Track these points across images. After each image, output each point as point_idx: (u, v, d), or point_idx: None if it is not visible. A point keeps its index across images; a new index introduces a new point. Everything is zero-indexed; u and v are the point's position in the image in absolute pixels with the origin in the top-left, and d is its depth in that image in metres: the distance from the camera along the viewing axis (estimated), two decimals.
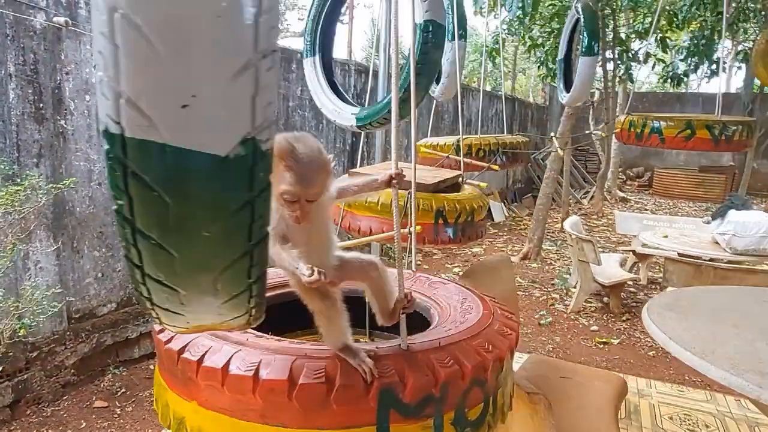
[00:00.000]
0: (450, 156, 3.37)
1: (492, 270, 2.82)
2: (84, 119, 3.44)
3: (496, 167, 3.64)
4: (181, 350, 1.03)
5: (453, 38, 3.11)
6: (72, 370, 3.49)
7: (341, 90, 2.48)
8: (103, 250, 3.59)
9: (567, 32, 4.28)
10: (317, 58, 2.45)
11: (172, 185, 0.54)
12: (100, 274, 3.62)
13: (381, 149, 4.47)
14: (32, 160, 3.15)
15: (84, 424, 3.20)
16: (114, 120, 0.51)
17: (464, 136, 3.88)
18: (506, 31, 9.03)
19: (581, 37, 3.64)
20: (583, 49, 3.57)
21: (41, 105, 3.17)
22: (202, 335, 1.06)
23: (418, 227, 2.24)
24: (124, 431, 3.13)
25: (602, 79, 10.03)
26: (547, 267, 7.18)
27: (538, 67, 9.90)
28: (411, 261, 1.69)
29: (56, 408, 3.35)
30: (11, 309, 2.76)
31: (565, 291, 6.10)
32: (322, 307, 0.98)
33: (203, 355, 1.00)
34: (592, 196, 11.82)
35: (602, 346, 4.77)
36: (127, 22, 0.47)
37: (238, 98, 0.52)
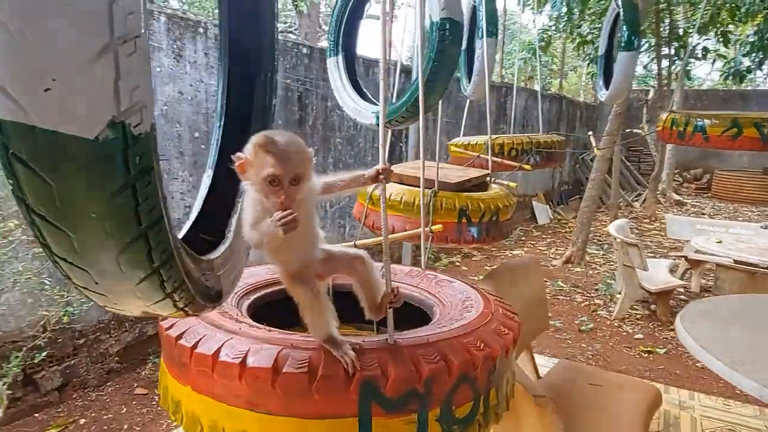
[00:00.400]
0: (480, 155, 3.33)
1: (518, 272, 2.77)
2: None
3: (528, 167, 3.56)
4: (179, 336, 1.07)
5: (482, 35, 3.07)
6: (116, 358, 3.67)
7: (363, 89, 2.50)
8: None
9: (608, 27, 4.12)
10: (340, 57, 2.48)
11: (49, 167, 0.56)
12: None
13: (414, 148, 4.46)
14: None
15: (125, 410, 3.36)
16: None
17: (496, 136, 3.82)
18: (553, 28, 8.80)
19: (621, 31, 3.50)
20: (623, 44, 3.43)
21: None
22: (200, 324, 1.10)
23: (440, 226, 2.23)
24: (161, 417, 3.27)
25: (657, 77, 9.62)
26: (591, 271, 6.96)
27: (588, 64, 9.61)
28: (423, 259, 1.69)
29: (100, 393, 3.54)
30: (56, 297, 2.94)
31: (609, 297, 5.89)
32: (305, 298, 1.00)
33: (197, 342, 1.03)
34: (645, 199, 11.35)
35: (646, 355, 4.58)
36: None
37: (99, 82, 0.54)
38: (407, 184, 2.47)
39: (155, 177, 0.62)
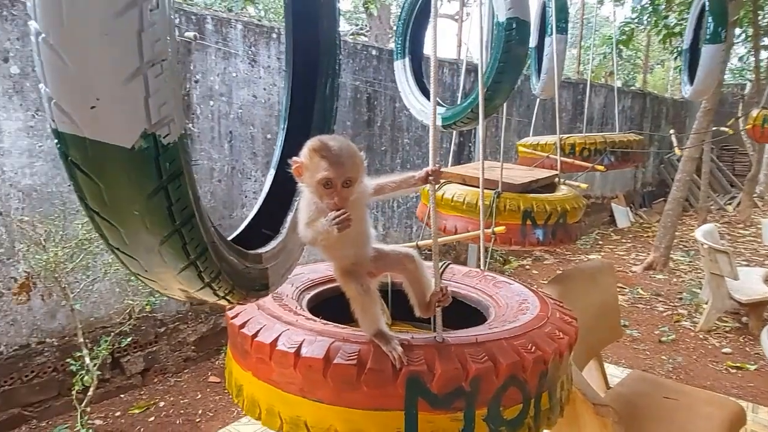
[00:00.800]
0: (550, 156, 3.23)
1: (589, 276, 2.67)
2: (208, 122, 3.85)
3: (601, 168, 3.40)
4: (242, 325, 1.14)
5: (551, 32, 2.97)
6: (192, 347, 3.92)
7: (430, 90, 2.50)
8: None
9: (693, 19, 3.86)
10: (407, 60, 2.50)
11: (98, 171, 0.66)
12: None
13: (481, 149, 4.39)
14: None
15: (200, 396, 3.58)
16: (53, 119, 0.64)
17: (567, 135, 3.69)
18: (636, 20, 8.33)
19: (707, 22, 3.26)
20: (708, 37, 3.20)
21: None
22: (262, 314, 1.17)
23: (503, 228, 2.19)
24: (233, 405, 3.45)
25: (754, 70, 8.86)
26: (675, 279, 6.54)
27: (675, 57, 9.01)
28: (482, 261, 1.67)
29: (178, 379, 3.79)
30: (140, 287, 3.19)
31: (694, 307, 5.52)
32: (355, 293, 1.04)
33: (257, 331, 1.09)
34: (739, 202, 10.48)
35: (735, 371, 4.25)
36: (45, 43, 0.60)
37: (132, 100, 0.63)
38: (470, 185, 2.46)
39: (185, 181, 0.70)
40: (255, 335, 1.09)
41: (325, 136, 1.02)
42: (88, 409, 3.07)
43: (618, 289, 6.06)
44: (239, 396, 1.16)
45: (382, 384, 0.95)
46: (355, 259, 1.07)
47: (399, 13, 2.51)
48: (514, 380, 0.99)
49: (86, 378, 2.94)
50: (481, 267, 1.64)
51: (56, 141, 0.66)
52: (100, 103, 0.61)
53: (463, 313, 1.50)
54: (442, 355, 0.98)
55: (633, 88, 11.76)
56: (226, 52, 3.92)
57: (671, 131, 4.83)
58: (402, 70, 2.51)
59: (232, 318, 1.19)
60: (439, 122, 2.34)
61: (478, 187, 2.47)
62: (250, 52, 4.09)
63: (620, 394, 2.42)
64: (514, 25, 1.87)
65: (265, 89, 4.27)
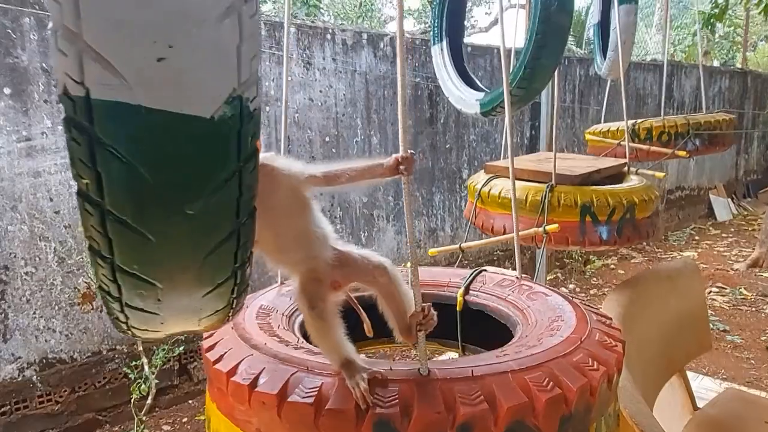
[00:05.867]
0: (621, 143, 2.84)
1: (667, 279, 2.29)
2: (265, 128, 3.83)
3: (683, 153, 2.95)
4: (208, 348, 0.99)
5: (616, 3, 2.60)
6: None
7: (471, 76, 2.26)
8: None
9: None
10: (444, 44, 2.27)
11: (150, 155, 0.45)
12: None
13: (546, 139, 4.05)
14: None
15: None
16: (75, 79, 0.42)
17: (642, 119, 3.27)
18: None
19: None
20: None
21: None
22: (233, 335, 1.01)
23: (556, 225, 1.91)
24: None
25: None
26: None
27: None
28: (518, 266, 1.43)
29: None
30: None
31: None
32: (307, 317, 0.84)
33: (221, 357, 0.94)
34: None
35: None
36: None
37: (223, 48, 0.43)
38: (522, 179, 2.19)
39: (257, 161, 0.52)
40: (216, 361, 0.93)
41: None
42: (144, 418, 3.11)
43: (717, 289, 5.40)
44: (209, 428, 1.02)
45: (343, 429, 0.75)
46: (310, 265, 0.86)
47: None
48: (520, 427, 0.76)
49: (143, 387, 2.98)
50: (518, 274, 1.39)
51: (71, 113, 0.44)
52: (174, 54, 0.41)
53: (495, 329, 1.27)
54: (423, 393, 0.76)
55: (732, 67, 10.58)
56: (279, 57, 3.88)
57: None
58: (439, 55, 2.28)
59: (205, 338, 1.05)
60: (477, 109, 2.09)
61: (531, 180, 2.20)
62: (304, 54, 4.03)
63: (710, 417, 2.05)
64: None
65: (321, 91, 4.20)
